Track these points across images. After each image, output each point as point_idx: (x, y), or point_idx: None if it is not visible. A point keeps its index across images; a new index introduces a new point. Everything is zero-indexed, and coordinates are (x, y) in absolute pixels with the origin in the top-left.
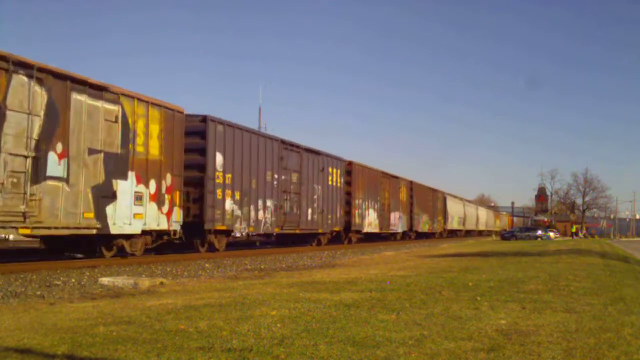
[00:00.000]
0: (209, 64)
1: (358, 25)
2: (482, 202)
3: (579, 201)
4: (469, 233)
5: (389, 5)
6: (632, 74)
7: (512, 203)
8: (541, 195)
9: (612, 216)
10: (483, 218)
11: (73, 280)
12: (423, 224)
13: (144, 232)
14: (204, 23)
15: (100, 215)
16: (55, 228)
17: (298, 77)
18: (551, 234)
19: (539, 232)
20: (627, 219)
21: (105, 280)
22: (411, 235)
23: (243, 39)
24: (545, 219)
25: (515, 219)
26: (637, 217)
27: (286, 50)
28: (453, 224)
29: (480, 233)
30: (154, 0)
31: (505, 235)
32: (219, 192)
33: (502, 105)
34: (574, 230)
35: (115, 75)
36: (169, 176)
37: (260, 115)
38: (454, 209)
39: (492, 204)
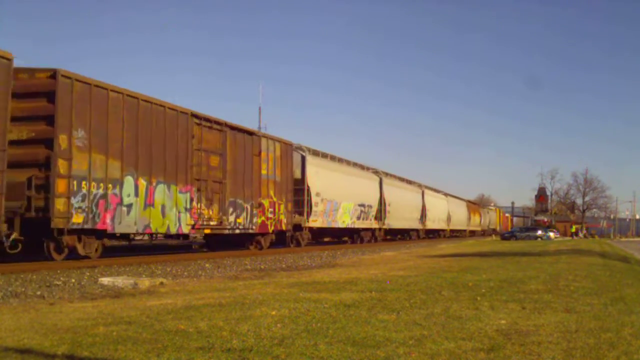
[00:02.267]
0: (209, 64)
1: (358, 25)
2: (483, 202)
3: (579, 201)
4: (405, 235)
5: (389, 6)
6: (632, 74)
7: (512, 203)
8: (541, 195)
9: (612, 216)
10: (441, 211)
11: (73, 280)
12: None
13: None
14: (204, 23)
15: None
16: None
17: (298, 77)
18: (551, 234)
19: (539, 232)
20: (627, 219)
21: (105, 280)
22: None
23: (243, 39)
24: (545, 219)
25: (515, 219)
26: (637, 217)
27: (286, 50)
28: (344, 217)
29: (436, 234)
30: (154, 0)
31: (505, 236)
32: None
33: (502, 105)
34: (573, 230)
35: (116, 75)
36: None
37: (260, 115)
38: (354, 186)
39: (492, 204)
